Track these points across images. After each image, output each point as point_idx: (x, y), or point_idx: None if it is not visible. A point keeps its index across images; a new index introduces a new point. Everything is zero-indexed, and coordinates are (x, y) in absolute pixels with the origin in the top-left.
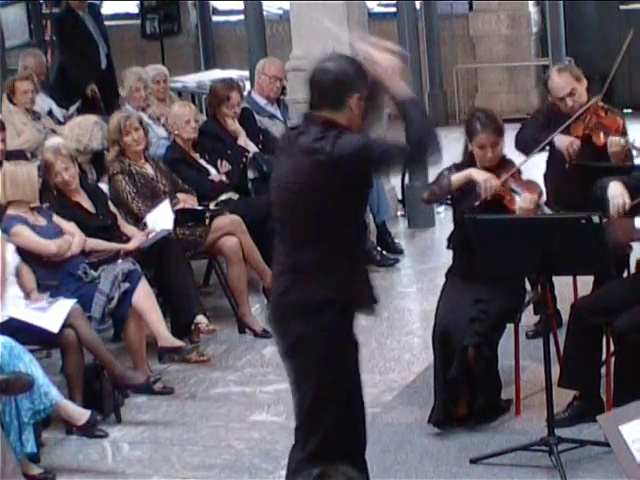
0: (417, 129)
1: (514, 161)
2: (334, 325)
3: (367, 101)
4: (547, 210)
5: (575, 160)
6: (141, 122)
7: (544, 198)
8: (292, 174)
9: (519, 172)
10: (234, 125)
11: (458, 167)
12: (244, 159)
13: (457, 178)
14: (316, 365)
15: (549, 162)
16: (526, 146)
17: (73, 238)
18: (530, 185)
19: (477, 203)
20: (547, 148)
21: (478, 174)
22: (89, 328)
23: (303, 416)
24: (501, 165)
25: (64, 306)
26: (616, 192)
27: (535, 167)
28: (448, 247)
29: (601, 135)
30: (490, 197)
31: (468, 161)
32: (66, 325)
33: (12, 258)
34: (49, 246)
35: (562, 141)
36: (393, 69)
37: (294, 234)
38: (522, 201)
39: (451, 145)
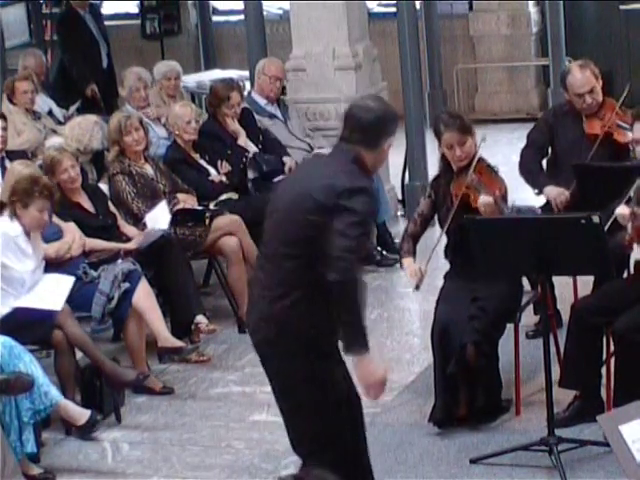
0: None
1: (488, 161)
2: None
3: None
4: (509, 205)
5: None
6: (141, 122)
7: (505, 192)
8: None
9: (492, 169)
10: (234, 125)
11: (435, 181)
12: (244, 159)
13: (403, 263)
14: (300, 383)
15: (549, 164)
16: (528, 177)
17: (72, 240)
18: (493, 181)
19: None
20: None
21: (406, 267)
22: (76, 326)
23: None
24: (472, 164)
25: (64, 283)
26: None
27: None
28: (446, 257)
29: (624, 133)
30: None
31: (443, 168)
32: (54, 326)
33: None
34: (47, 251)
35: (550, 192)
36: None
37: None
38: (481, 202)
39: None
